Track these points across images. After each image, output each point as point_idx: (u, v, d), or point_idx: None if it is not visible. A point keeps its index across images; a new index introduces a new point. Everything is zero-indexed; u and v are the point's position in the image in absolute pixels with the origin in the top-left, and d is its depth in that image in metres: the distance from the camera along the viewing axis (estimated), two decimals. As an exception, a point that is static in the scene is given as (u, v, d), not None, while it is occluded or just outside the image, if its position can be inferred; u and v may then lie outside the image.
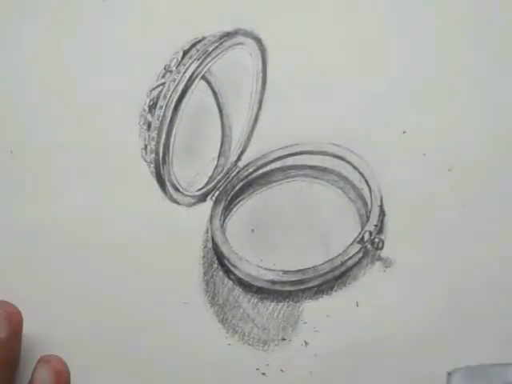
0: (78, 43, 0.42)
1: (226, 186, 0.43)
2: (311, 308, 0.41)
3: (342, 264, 0.41)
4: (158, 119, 0.41)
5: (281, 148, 0.43)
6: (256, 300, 0.42)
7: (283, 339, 0.41)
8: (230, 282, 0.42)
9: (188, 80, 0.41)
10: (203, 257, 0.42)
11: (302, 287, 0.41)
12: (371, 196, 0.42)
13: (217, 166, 0.43)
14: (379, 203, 0.42)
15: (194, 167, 0.43)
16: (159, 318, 0.41)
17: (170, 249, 0.41)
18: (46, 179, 0.41)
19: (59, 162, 0.41)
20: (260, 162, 0.43)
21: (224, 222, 0.43)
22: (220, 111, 0.43)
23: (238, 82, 0.43)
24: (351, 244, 0.42)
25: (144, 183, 0.42)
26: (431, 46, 0.43)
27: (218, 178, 0.43)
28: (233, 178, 0.43)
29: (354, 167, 0.43)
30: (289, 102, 0.43)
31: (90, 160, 0.41)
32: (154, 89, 0.41)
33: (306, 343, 0.41)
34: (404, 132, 0.43)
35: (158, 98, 0.41)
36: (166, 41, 0.42)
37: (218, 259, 0.42)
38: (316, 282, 0.41)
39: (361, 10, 0.43)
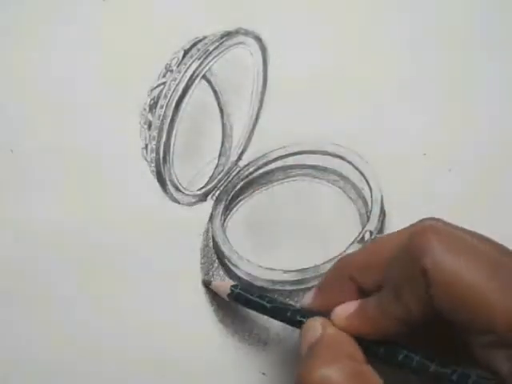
0: (79, 43, 0.41)
1: (227, 185, 0.43)
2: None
3: (342, 264, 0.41)
4: (158, 118, 0.41)
5: (281, 147, 0.43)
6: (256, 299, 0.42)
7: (283, 339, 0.41)
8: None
9: (189, 79, 0.41)
10: (204, 256, 0.42)
11: (302, 287, 0.41)
12: (371, 196, 0.43)
13: (217, 166, 0.43)
14: (379, 203, 0.42)
15: (195, 166, 0.43)
16: (159, 318, 0.41)
17: (170, 248, 0.41)
18: (46, 179, 0.41)
19: (59, 161, 0.41)
20: (261, 162, 0.43)
21: (225, 221, 0.43)
22: (221, 111, 0.43)
23: (239, 81, 0.43)
24: (351, 244, 0.42)
25: (144, 183, 0.41)
26: (432, 46, 0.43)
27: (219, 177, 0.43)
28: (233, 177, 0.43)
29: (355, 167, 0.43)
30: (289, 101, 0.43)
31: (90, 160, 0.41)
32: (154, 88, 0.41)
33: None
34: (404, 132, 0.43)
35: (158, 97, 0.41)
36: (166, 40, 0.41)
37: (219, 258, 0.42)
38: (316, 282, 0.41)
39: (361, 9, 0.43)
